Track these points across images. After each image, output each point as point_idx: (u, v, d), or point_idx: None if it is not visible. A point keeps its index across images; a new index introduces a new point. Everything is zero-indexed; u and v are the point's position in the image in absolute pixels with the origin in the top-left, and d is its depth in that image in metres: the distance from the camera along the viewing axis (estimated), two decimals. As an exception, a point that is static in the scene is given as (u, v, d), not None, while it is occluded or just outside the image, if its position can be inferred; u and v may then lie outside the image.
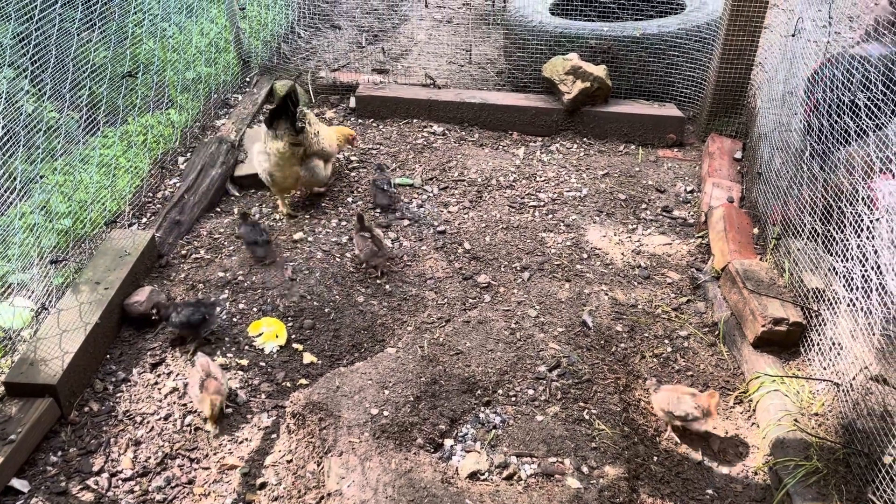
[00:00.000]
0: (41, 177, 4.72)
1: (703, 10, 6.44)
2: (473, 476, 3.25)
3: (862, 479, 3.20)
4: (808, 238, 4.18)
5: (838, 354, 3.62)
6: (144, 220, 5.03)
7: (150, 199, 5.25)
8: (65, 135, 4.94)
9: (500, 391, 3.70)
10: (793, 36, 5.04)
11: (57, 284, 4.12)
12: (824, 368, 3.70)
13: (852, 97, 3.85)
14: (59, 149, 4.88)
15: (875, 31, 4.08)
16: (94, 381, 3.83)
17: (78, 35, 4.75)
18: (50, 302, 4.00)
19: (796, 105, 4.75)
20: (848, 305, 3.62)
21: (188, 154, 5.74)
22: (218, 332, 4.13)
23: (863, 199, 3.57)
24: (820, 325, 3.84)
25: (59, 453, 3.45)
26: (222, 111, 6.49)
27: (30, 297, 3.99)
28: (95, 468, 3.39)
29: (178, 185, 5.34)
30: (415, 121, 6.52)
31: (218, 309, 4.16)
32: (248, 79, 7.01)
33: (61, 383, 3.54)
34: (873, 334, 3.40)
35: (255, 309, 4.27)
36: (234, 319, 4.21)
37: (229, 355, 4.00)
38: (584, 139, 6.39)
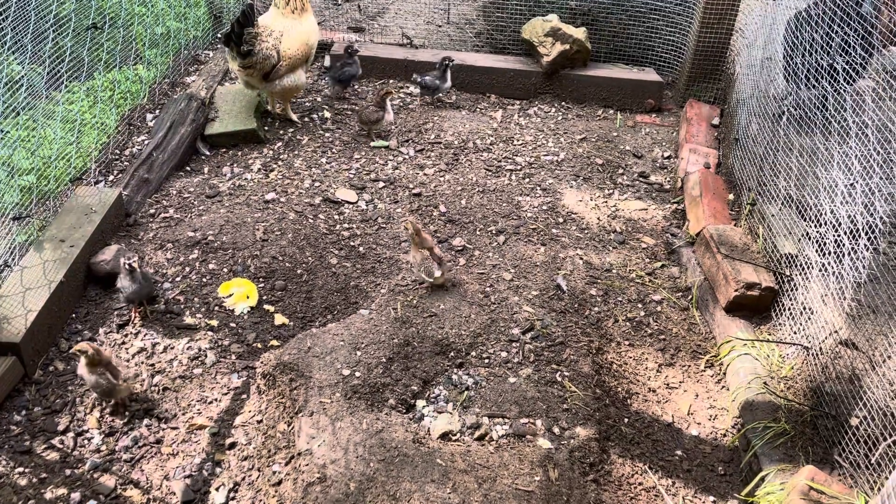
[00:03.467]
0: (3, 132, 4.56)
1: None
2: (445, 436, 3.24)
3: (828, 440, 3.24)
4: (782, 203, 4.18)
5: (809, 319, 3.65)
6: (111, 177, 4.90)
7: (117, 157, 5.11)
8: (27, 89, 4.76)
9: (473, 353, 3.68)
10: (773, 0, 5.00)
11: (20, 242, 4.00)
12: (795, 332, 3.73)
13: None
14: (22, 103, 4.71)
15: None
16: (59, 340, 3.74)
17: (40, -16, 4.56)
18: (13, 259, 3.89)
19: (775, 71, 4.73)
20: (820, 270, 3.64)
21: (157, 111, 5.58)
22: (187, 291, 4.05)
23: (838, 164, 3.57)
24: (792, 289, 3.86)
25: (24, 412, 3.38)
26: (192, 68, 6.31)
27: (-9, 254, 3.88)
28: (61, 427, 3.32)
29: (146, 142, 5.20)
30: (391, 81, 6.41)
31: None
32: (219, 35, 6.82)
33: (25, 342, 3.45)
34: (844, 299, 3.42)
35: (225, 269, 4.19)
36: (204, 280, 4.13)
37: (199, 316, 3.93)
38: (563, 103, 6.33)
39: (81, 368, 3.31)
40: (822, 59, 3.97)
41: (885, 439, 2.90)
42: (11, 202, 4.19)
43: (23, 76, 4.66)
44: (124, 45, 5.60)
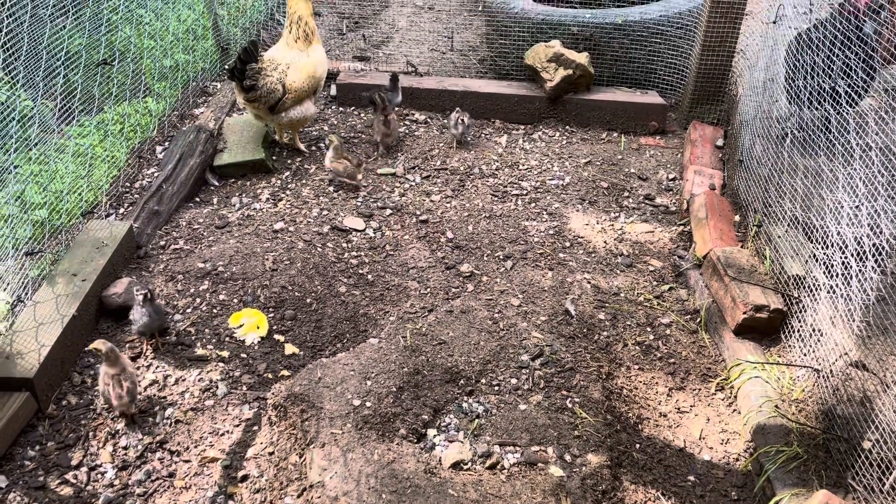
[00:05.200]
0: (15, 167, 4.63)
1: (685, -4, 6.43)
2: (456, 466, 3.24)
3: (842, 464, 3.23)
4: (788, 225, 4.20)
5: (818, 341, 3.64)
6: (122, 210, 4.96)
7: (127, 189, 5.17)
8: (39, 124, 4.84)
9: (482, 380, 3.69)
10: (774, 23, 5.04)
11: (33, 276, 4.04)
12: (805, 355, 3.73)
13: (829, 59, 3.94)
14: (34, 138, 4.78)
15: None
16: (72, 374, 3.77)
17: (51, 21, 4.65)
18: (26, 294, 3.93)
19: (777, 92, 4.77)
20: (828, 292, 3.64)
21: (166, 143, 5.66)
22: (198, 323, 4.08)
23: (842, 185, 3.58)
24: (800, 311, 3.86)
25: (37, 447, 3.40)
26: (201, 99, 6.40)
27: (5, 289, 3.92)
28: (74, 462, 3.34)
29: (156, 174, 5.26)
30: (396, 109, 6.47)
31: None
32: (226, 66, 6.91)
33: (38, 377, 3.48)
34: (853, 320, 3.42)
35: (235, 300, 4.22)
36: (215, 311, 4.16)
37: (209, 347, 3.96)
38: (567, 127, 6.38)
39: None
40: (823, 82, 4.00)
41: (898, 463, 2.89)
42: (24, 237, 4.25)
43: (34, 111, 4.75)
44: (134, 78, 5.69)
